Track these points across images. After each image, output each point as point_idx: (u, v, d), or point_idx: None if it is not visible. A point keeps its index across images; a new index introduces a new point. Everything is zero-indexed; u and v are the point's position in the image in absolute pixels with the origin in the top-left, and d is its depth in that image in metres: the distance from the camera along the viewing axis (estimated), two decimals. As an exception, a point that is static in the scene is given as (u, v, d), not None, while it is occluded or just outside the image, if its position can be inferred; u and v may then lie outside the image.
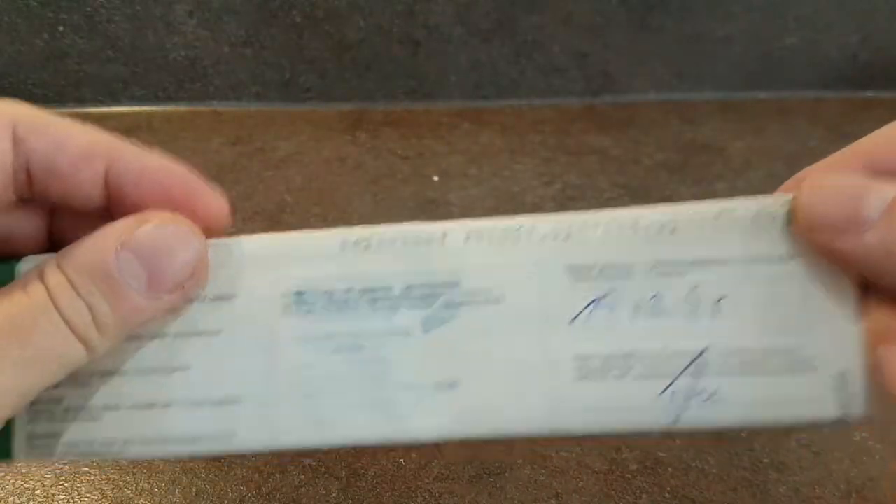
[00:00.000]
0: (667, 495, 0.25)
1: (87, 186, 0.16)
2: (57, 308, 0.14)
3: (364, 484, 0.25)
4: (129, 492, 0.24)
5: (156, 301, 0.15)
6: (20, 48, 0.52)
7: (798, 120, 0.50)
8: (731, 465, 0.26)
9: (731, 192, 0.43)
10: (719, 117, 0.51)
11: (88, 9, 0.51)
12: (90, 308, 0.14)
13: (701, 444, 0.27)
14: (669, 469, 0.26)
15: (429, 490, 0.25)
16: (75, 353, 0.14)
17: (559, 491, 0.25)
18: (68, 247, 0.15)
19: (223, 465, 0.26)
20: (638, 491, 0.25)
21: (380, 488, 0.25)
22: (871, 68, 0.54)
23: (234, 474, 0.25)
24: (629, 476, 0.26)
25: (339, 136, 0.51)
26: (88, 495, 0.25)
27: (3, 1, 0.51)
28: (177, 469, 0.26)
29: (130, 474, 0.25)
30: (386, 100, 0.56)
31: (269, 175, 0.47)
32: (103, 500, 0.24)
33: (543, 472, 0.26)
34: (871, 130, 0.52)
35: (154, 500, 0.24)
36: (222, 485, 0.25)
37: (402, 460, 0.26)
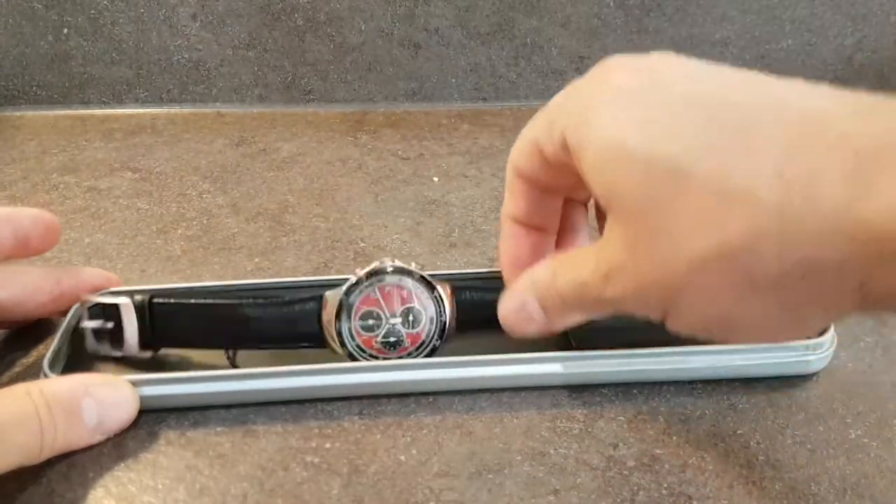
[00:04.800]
0: (664, 492, 0.25)
1: None
2: (39, 419, 0.22)
3: (365, 480, 0.26)
4: (133, 488, 0.25)
5: (95, 437, 0.25)
6: (25, 50, 0.53)
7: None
8: (727, 462, 0.26)
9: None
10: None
11: (93, 11, 0.52)
12: (54, 428, 0.22)
13: (697, 441, 0.27)
14: (666, 466, 0.26)
15: (429, 486, 0.25)
16: (32, 454, 0.22)
17: (557, 487, 0.25)
18: (47, 380, 0.25)
19: (227, 462, 0.26)
20: (635, 487, 0.25)
21: (381, 484, 0.25)
22: (866, 70, 0.54)
23: (238, 471, 0.26)
24: (626, 473, 0.26)
25: (341, 138, 0.52)
26: (92, 491, 0.25)
27: (7, 3, 0.51)
28: (181, 466, 0.26)
29: (135, 471, 0.26)
30: (387, 101, 0.56)
31: (271, 176, 0.47)
32: (107, 496, 0.25)
33: (542, 468, 0.26)
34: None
35: (158, 497, 0.25)
36: (225, 481, 0.25)
37: (402, 457, 0.26)
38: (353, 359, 0.28)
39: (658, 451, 0.27)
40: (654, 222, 0.18)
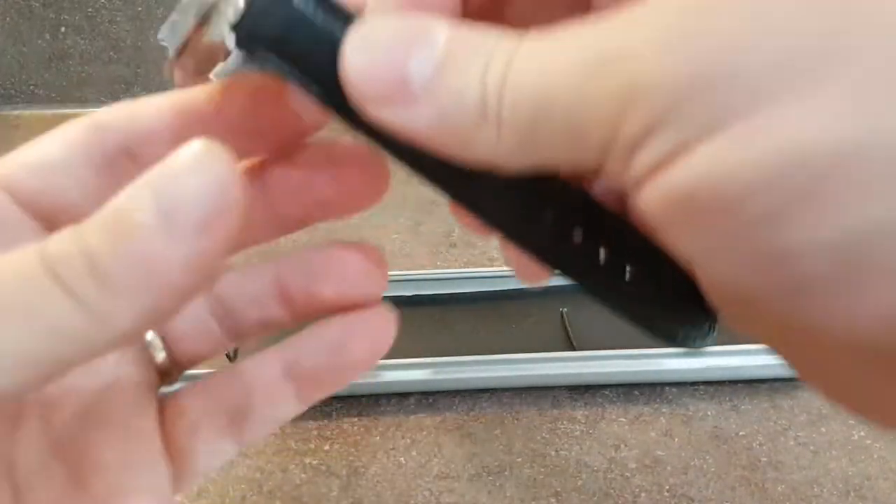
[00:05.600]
0: (665, 493, 0.25)
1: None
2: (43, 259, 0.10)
3: (364, 482, 0.25)
4: (131, 490, 0.25)
5: (178, 245, 0.10)
6: (22, 49, 0.52)
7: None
8: (729, 463, 0.26)
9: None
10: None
11: (90, 10, 0.52)
12: (84, 253, 0.10)
13: (699, 442, 0.27)
14: (668, 467, 0.26)
15: (429, 488, 0.25)
16: (67, 317, 0.09)
17: (558, 489, 0.25)
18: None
19: (225, 463, 0.26)
20: (637, 489, 0.25)
21: (380, 486, 0.25)
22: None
23: (236, 473, 0.25)
24: (628, 475, 0.26)
25: (340, 137, 0.51)
26: (91, 493, 0.25)
27: (4, 2, 0.51)
28: (178, 467, 0.26)
29: (132, 472, 0.25)
30: (386, 100, 0.56)
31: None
32: (106, 497, 0.24)
33: (543, 470, 0.26)
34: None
35: (156, 498, 0.24)
36: (224, 483, 0.25)
37: (402, 458, 0.26)
38: None
39: (660, 453, 0.27)
40: None
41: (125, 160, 0.14)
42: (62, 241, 0.10)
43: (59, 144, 0.13)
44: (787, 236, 0.08)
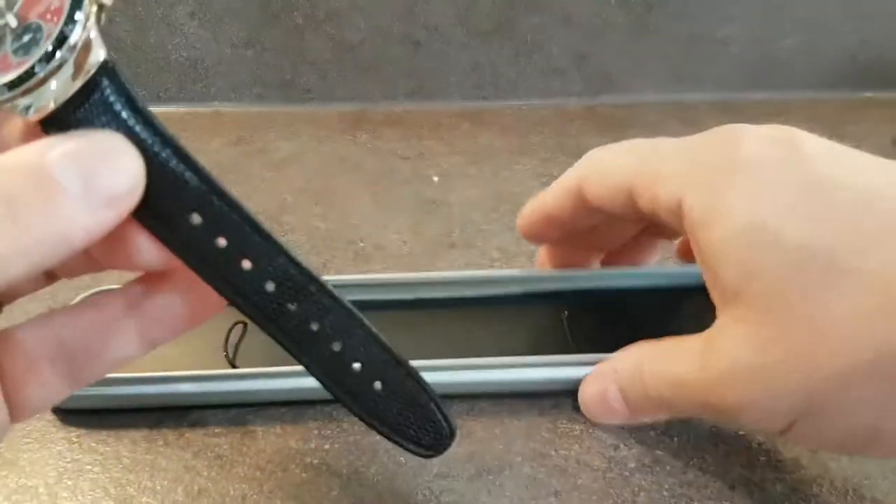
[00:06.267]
0: (665, 493, 0.25)
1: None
2: None
3: (365, 482, 0.26)
4: (131, 490, 0.25)
5: (92, 215, 0.12)
6: (22, 49, 0.52)
7: (797, 120, 0.50)
8: (728, 463, 0.26)
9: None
10: (718, 118, 0.51)
11: (90, 10, 0.52)
12: (4, 195, 0.11)
13: (699, 442, 0.27)
14: (668, 467, 0.26)
15: (429, 487, 0.25)
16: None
17: (558, 489, 0.25)
18: None
19: (225, 462, 0.26)
20: (636, 488, 0.25)
21: (380, 486, 0.25)
22: (869, 69, 0.54)
23: (236, 472, 0.26)
24: (627, 474, 0.26)
25: (340, 137, 0.51)
26: (91, 493, 0.25)
27: (5, 2, 0.51)
28: (179, 467, 0.26)
29: (133, 472, 0.25)
30: (386, 100, 0.56)
31: (269, 175, 0.47)
32: (106, 497, 0.24)
33: (543, 469, 0.26)
34: (870, 130, 0.52)
35: (156, 498, 0.24)
36: (224, 483, 0.25)
37: (402, 458, 0.26)
38: None
39: (659, 452, 0.27)
40: (803, 316, 0.16)
41: None
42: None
43: None
44: None
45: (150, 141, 0.15)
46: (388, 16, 0.53)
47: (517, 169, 0.46)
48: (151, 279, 0.16)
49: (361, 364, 0.16)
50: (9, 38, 0.13)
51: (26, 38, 0.13)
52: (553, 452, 0.26)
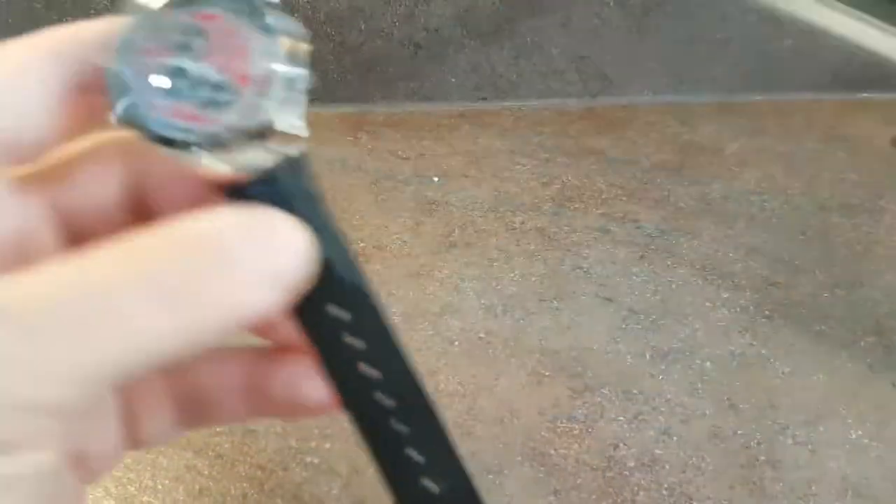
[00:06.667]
0: (664, 492, 0.25)
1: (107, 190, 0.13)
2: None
3: (365, 481, 0.26)
4: (132, 489, 0.25)
5: (264, 296, 0.11)
6: (24, 51, 0.52)
7: (794, 121, 0.51)
8: (727, 462, 0.26)
9: (728, 193, 0.44)
10: (716, 119, 0.52)
11: (92, 11, 0.52)
12: (184, 271, 0.10)
13: (698, 441, 0.27)
14: (667, 466, 0.26)
15: (429, 486, 0.25)
16: (157, 330, 0.10)
17: (557, 488, 0.25)
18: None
19: (226, 462, 0.26)
20: (636, 488, 0.25)
21: (380, 485, 0.25)
22: (865, 70, 0.54)
23: (237, 471, 0.26)
24: (626, 473, 0.26)
25: (341, 138, 0.51)
26: (92, 492, 0.25)
27: (7, 3, 0.51)
28: (180, 466, 0.26)
29: (134, 471, 0.25)
30: (386, 102, 0.56)
31: (270, 176, 0.47)
32: (107, 497, 0.24)
33: (542, 469, 0.26)
34: (867, 131, 0.52)
35: (158, 497, 0.24)
36: (225, 482, 0.25)
37: (402, 457, 0.26)
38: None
39: (658, 452, 0.27)
40: None
41: (77, 93, 0.12)
42: (162, 261, 0.11)
43: (15, 69, 0.12)
44: None
45: (323, 234, 0.14)
46: (388, 18, 0.53)
47: (516, 169, 0.46)
48: (280, 353, 0.14)
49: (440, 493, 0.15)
50: (199, 89, 0.12)
51: (226, 96, 0.12)
52: (552, 452, 0.26)
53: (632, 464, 0.26)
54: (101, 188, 0.13)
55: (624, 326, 0.33)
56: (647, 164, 0.46)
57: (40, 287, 0.10)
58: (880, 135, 0.48)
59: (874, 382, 0.30)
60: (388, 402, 0.14)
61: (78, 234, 0.12)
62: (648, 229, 0.39)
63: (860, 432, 0.28)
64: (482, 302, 0.33)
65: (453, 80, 0.55)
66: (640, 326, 0.33)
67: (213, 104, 0.12)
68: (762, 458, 0.27)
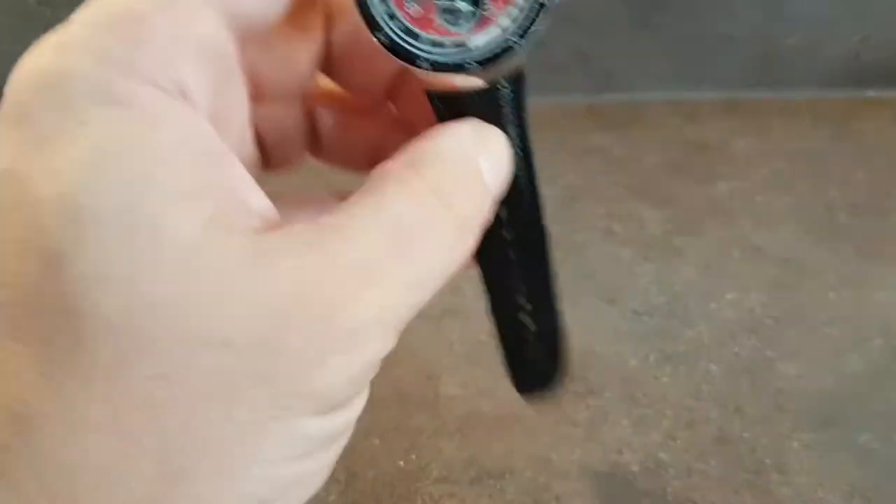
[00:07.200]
0: (669, 498, 0.25)
1: (380, 77, 0.14)
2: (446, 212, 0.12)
3: (364, 486, 0.25)
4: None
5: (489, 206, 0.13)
6: (17, 48, 0.52)
7: (800, 118, 0.50)
8: (733, 466, 0.26)
9: (734, 191, 0.43)
10: (721, 116, 0.51)
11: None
12: (460, 214, 0.12)
13: (703, 445, 0.27)
14: (671, 471, 0.26)
15: (429, 493, 0.25)
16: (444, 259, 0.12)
17: (560, 493, 0.25)
18: (402, 153, 0.12)
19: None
20: (640, 493, 0.25)
21: (379, 490, 0.25)
22: (872, 67, 0.53)
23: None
24: (631, 478, 0.25)
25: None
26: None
27: (0, 1, 0.51)
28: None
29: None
30: (386, 99, 0.55)
31: (268, 175, 0.46)
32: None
33: (544, 474, 0.26)
34: (874, 129, 0.52)
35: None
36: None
37: (401, 462, 0.26)
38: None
39: (663, 456, 0.26)
40: None
41: None
42: (465, 206, 0.12)
43: None
44: None
45: (519, 153, 0.16)
46: (387, 13, 0.52)
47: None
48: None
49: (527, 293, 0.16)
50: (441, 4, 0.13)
51: (473, 9, 0.13)
52: (554, 456, 0.26)
53: (636, 468, 0.26)
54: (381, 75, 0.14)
55: (627, 328, 0.32)
56: (652, 161, 0.45)
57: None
58: (889, 133, 0.48)
59: (882, 385, 0.30)
60: (512, 255, 0.15)
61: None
62: (653, 229, 0.39)
63: (868, 436, 0.27)
64: (483, 304, 0.33)
65: (454, 76, 0.55)
66: (644, 328, 0.32)
67: (458, 15, 0.13)
68: (768, 461, 0.26)
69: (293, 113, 0.16)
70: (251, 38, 0.12)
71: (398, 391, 0.29)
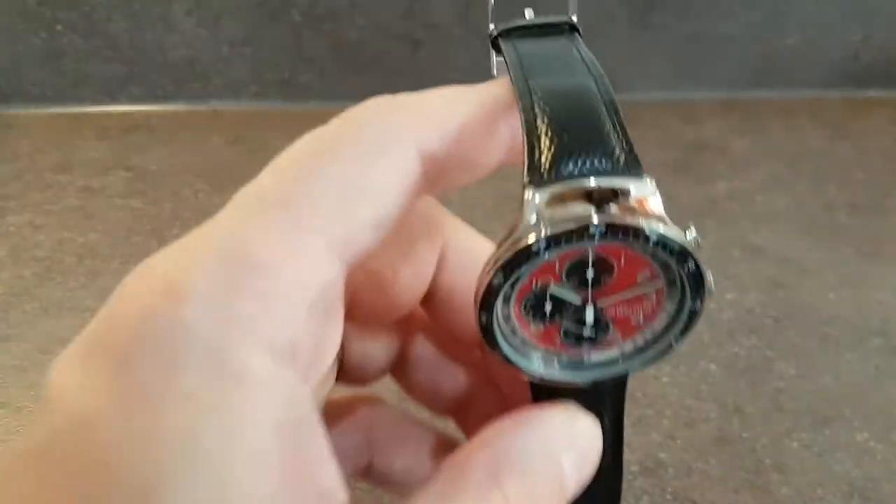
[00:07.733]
0: (668, 497, 0.25)
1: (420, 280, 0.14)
2: None
3: (363, 486, 0.25)
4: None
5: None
6: (18, 47, 0.52)
7: (800, 119, 0.50)
8: (732, 466, 0.26)
9: (733, 192, 0.43)
10: (721, 116, 0.51)
11: (87, 7, 0.51)
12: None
13: (702, 445, 0.27)
14: (671, 470, 0.26)
15: (429, 492, 0.25)
16: None
17: (560, 493, 0.25)
18: (485, 442, 0.12)
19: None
20: (639, 492, 0.25)
21: (379, 490, 0.25)
22: (872, 67, 0.53)
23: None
24: (630, 477, 0.25)
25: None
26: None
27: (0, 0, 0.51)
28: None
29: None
30: (385, 99, 0.55)
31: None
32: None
33: (544, 473, 0.25)
34: (873, 129, 0.52)
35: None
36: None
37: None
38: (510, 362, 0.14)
39: (662, 456, 0.26)
40: None
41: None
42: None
43: (394, 193, 0.12)
44: None
45: (610, 438, 0.15)
46: (387, 14, 0.52)
47: (518, 169, 0.46)
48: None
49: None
50: (572, 319, 0.13)
51: (601, 333, 0.13)
52: (555, 456, 0.26)
53: (635, 468, 0.26)
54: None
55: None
56: (651, 162, 0.45)
57: None
58: (888, 133, 0.48)
59: (881, 385, 0.30)
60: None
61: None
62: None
63: (867, 435, 0.27)
64: None
65: (453, 77, 0.54)
66: (643, 328, 0.32)
67: (579, 338, 0.13)
68: (768, 461, 0.26)
69: (384, 340, 0.15)
70: (357, 265, 0.12)
71: None
